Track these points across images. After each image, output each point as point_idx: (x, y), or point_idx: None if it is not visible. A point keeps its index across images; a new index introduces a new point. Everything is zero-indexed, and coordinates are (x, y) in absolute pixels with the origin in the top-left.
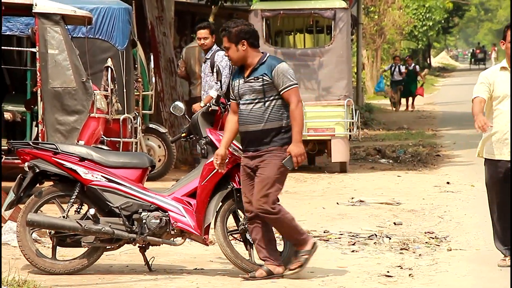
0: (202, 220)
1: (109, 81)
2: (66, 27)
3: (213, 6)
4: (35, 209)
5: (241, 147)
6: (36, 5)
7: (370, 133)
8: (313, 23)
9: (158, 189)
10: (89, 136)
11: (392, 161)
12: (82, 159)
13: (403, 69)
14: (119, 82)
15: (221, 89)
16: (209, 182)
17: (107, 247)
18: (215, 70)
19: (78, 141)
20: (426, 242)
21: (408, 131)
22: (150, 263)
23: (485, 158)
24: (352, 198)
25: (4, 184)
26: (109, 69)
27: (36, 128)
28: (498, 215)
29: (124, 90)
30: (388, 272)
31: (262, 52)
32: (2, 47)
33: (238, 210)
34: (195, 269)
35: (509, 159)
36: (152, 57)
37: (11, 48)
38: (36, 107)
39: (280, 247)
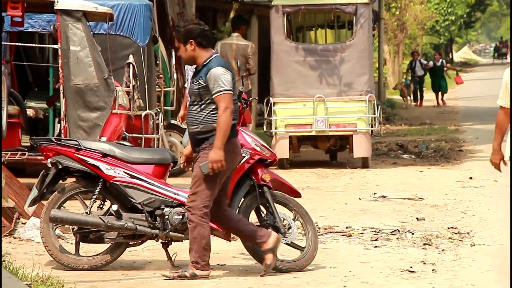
0: None
1: (131, 78)
2: (87, 24)
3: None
4: (58, 205)
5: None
6: (58, 2)
7: (392, 128)
8: (335, 18)
9: (180, 185)
10: (111, 133)
11: (414, 156)
12: (105, 155)
13: (424, 62)
14: (140, 79)
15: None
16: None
17: (130, 243)
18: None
19: (100, 138)
20: (449, 238)
21: (431, 126)
22: (173, 258)
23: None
24: (375, 193)
25: (27, 180)
26: (131, 65)
27: (59, 124)
28: None
29: (146, 87)
30: (411, 267)
31: (216, 52)
32: (24, 44)
33: (261, 206)
34: (218, 264)
35: None
36: (173, 53)
37: (33, 45)
38: (58, 104)
39: (303, 242)
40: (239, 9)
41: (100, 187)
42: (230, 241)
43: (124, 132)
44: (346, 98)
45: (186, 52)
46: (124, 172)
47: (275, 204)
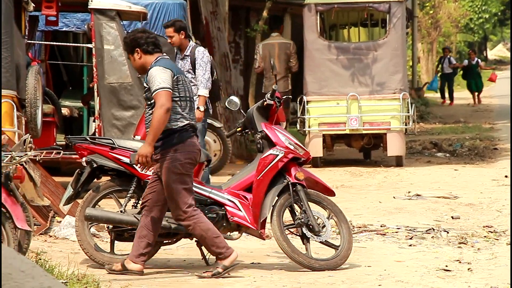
0: (258, 214)
1: None
2: (121, 23)
3: (267, 1)
4: (93, 204)
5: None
6: (92, 1)
7: (426, 126)
8: (368, 16)
9: (214, 184)
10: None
11: (448, 154)
12: None
13: (453, 60)
14: None
15: (206, 86)
16: (265, 177)
17: (164, 242)
18: (213, 67)
19: (134, 136)
20: (485, 236)
21: (465, 124)
22: (207, 257)
23: None
24: (409, 192)
25: (62, 179)
26: None
27: (93, 123)
28: None
29: None
30: (446, 266)
31: (164, 55)
32: (59, 43)
33: (294, 205)
34: (252, 263)
35: None
36: None
37: (68, 44)
38: (92, 103)
39: (337, 241)
40: (272, 7)
41: (134, 185)
42: (264, 239)
43: None
44: (379, 96)
45: (135, 61)
46: None
47: (309, 202)
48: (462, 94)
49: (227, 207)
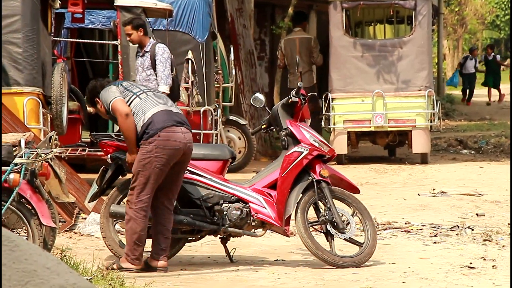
0: (282, 211)
1: (189, 74)
2: (147, 20)
3: None
4: (118, 201)
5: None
6: None
7: (451, 123)
8: (394, 13)
9: (239, 181)
10: None
11: (474, 152)
12: None
13: (477, 64)
14: (199, 75)
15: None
16: (289, 174)
17: (189, 238)
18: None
19: None
20: (510, 233)
21: (490, 121)
22: (231, 254)
23: None
24: (434, 189)
25: (87, 176)
26: (190, 61)
27: None
28: None
29: (205, 82)
30: (471, 263)
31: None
32: (85, 40)
33: (319, 202)
34: (276, 260)
35: None
36: (232, 49)
37: (94, 41)
38: None
39: (361, 238)
40: (297, 4)
41: None
42: (288, 236)
43: None
44: (405, 93)
45: (101, 111)
46: None
47: (333, 199)
48: (495, 91)
49: (252, 204)
